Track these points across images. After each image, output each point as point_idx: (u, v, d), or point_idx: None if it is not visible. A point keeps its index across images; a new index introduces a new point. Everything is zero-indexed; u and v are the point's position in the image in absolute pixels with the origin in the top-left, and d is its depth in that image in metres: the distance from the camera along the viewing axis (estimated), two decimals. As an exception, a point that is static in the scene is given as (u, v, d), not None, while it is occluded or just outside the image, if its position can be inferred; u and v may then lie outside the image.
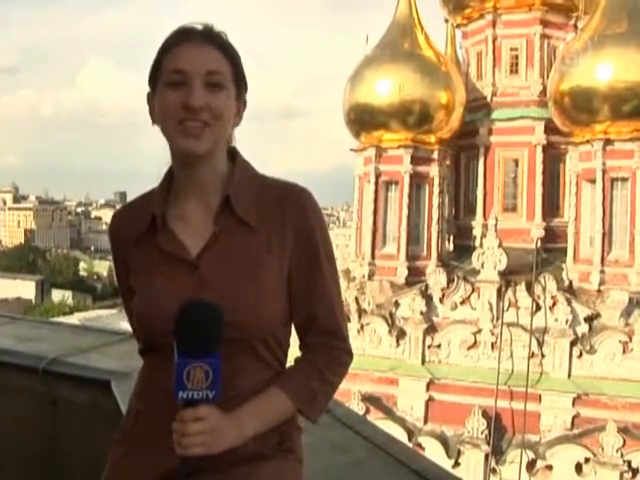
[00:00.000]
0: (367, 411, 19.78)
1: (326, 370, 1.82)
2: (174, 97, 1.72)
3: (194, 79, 1.71)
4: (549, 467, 18.49)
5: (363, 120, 22.85)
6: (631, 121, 19.87)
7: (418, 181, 22.74)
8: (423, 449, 19.30)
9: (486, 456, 18.76)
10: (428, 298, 20.53)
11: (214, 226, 1.77)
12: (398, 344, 20.48)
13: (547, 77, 22.32)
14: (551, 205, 23.11)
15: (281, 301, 1.79)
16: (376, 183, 22.79)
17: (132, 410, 1.88)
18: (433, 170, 22.78)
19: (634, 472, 17.55)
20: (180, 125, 1.71)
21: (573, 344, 18.84)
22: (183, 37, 1.76)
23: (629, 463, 17.53)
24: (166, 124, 1.75)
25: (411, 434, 19.69)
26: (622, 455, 17.48)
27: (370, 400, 20.22)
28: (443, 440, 19.55)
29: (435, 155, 22.82)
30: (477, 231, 22.91)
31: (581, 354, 18.80)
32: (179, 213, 1.82)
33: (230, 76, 1.77)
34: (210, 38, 1.77)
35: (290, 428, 1.85)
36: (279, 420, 1.77)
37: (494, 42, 23.71)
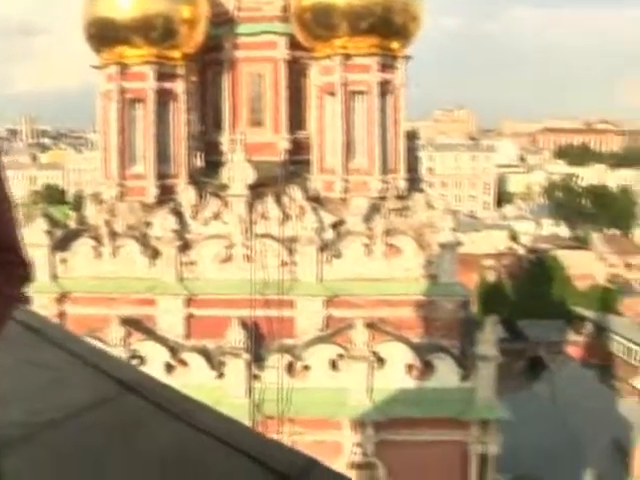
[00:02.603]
0: (128, 334, 19.62)
1: (4, 285, 1.78)
2: None
3: None
4: (307, 367, 19.48)
5: (104, 35, 21.81)
6: (368, 37, 20.74)
7: (164, 98, 22.26)
8: (187, 365, 19.60)
9: (248, 364, 19.34)
10: (179, 216, 20.48)
11: None
12: (153, 264, 20.33)
13: (289, -8, 22.46)
14: (296, 118, 23.66)
15: None
16: (120, 101, 21.99)
17: None
18: (179, 86, 22.40)
19: (381, 361, 19.05)
20: None
21: (321, 250, 19.77)
22: None
23: (376, 354, 18.99)
24: None
25: (174, 352, 19.83)
26: (371, 348, 18.86)
27: (130, 323, 19.99)
28: (206, 354, 19.90)
29: (180, 71, 22.39)
30: (225, 146, 23.04)
31: (329, 259, 19.81)
32: None
33: None
34: None
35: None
36: None
37: (234, -44, 23.37)
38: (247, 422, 18.86)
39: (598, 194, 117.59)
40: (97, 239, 20.36)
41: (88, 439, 2.21)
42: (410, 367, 19.10)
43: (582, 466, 40.71)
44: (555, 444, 39.94)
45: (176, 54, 22.24)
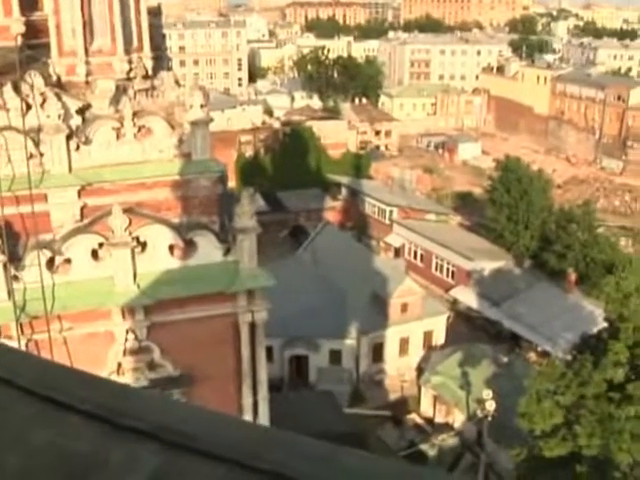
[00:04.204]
0: None
1: None
2: None
3: None
4: (68, 260, 18.99)
5: None
6: None
7: None
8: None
9: (4, 266, 18.48)
10: None
11: None
12: None
13: None
14: (28, -2, 21.97)
15: None
16: None
17: None
18: None
19: (143, 245, 19.02)
20: None
21: (69, 138, 18.96)
22: None
23: (137, 239, 18.91)
24: None
25: None
26: (130, 233, 18.72)
27: None
28: (-43, 261, 18.74)
29: None
30: (-51, 33, 20.97)
31: (78, 147, 19.09)
32: None
33: None
34: None
35: None
36: None
37: None
38: (13, 325, 18.28)
39: (346, 65, 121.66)
40: None
41: None
42: (172, 248, 19.27)
43: (346, 320, 44.03)
44: (321, 303, 42.76)
45: None
